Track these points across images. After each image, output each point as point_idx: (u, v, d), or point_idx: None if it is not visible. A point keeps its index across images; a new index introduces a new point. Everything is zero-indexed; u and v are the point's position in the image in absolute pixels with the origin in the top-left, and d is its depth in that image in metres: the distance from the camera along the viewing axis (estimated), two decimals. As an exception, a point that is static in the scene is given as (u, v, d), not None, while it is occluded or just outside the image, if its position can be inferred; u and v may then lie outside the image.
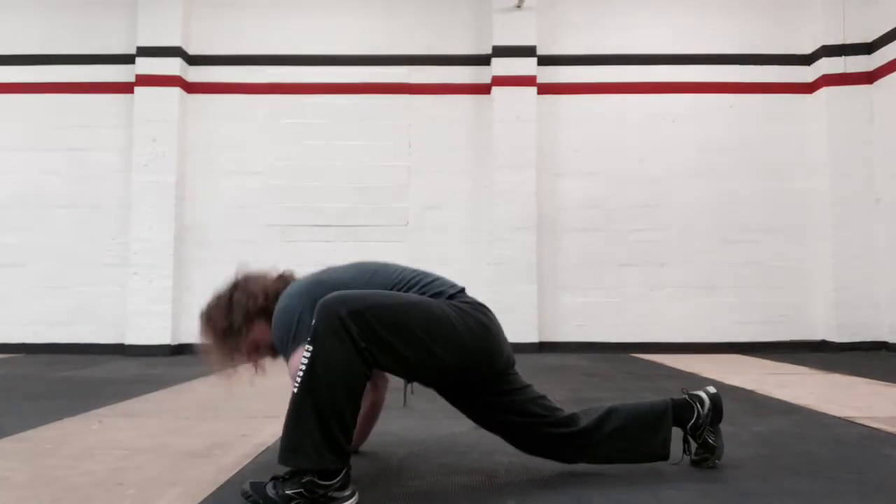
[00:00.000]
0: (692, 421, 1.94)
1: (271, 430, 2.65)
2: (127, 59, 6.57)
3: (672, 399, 1.98)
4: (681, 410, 1.95)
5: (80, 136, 6.59)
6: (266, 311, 1.89)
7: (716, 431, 1.99)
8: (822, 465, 2.06)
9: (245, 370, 2.02)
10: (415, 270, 1.91)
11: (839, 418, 2.86)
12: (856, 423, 2.74)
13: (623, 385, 4.04)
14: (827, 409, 3.09)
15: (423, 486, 1.85)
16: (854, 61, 6.44)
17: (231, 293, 1.95)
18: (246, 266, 2.03)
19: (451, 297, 1.82)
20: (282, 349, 1.80)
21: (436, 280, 1.88)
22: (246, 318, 1.90)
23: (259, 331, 1.92)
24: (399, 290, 1.80)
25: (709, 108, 6.65)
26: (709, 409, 1.97)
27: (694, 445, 2.00)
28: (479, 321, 1.78)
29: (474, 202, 6.57)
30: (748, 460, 2.13)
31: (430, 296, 1.79)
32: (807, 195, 6.55)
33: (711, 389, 2.02)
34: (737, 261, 6.52)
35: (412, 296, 1.75)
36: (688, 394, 2.00)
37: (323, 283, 1.81)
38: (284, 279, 1.99)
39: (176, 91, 6.46)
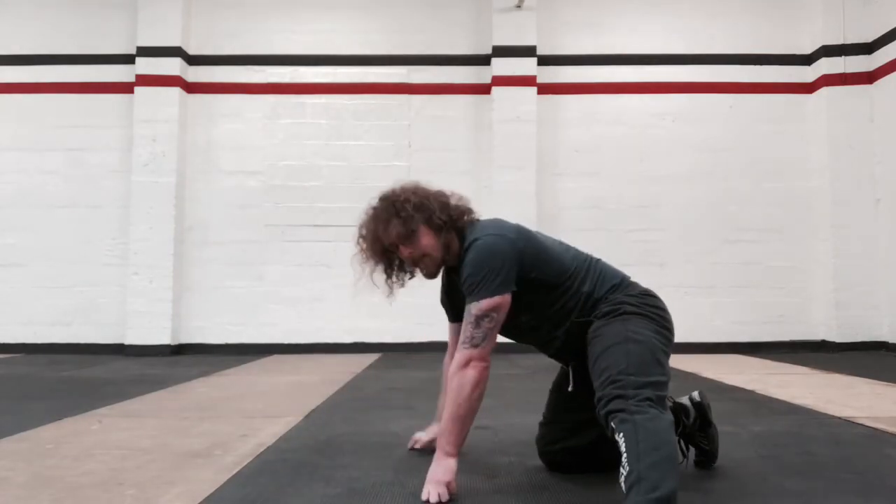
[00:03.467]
0: (679, 430, 1.96)
1: (271, 430, 2.65)
2: (127, 59, 6.57)
3: None
4: None
5: (80, 136, 6.58)
6: (444, 226, 1.86)
7: (708, 436, 2.01)
8: (822, 465, 2.06)
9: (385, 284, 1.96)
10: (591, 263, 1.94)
11: (839, 418, 2.86)
12: (856, 423, 2.74)
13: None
14: (827, 409, 3.09)
15: (423, 485, 1.84)
16: (854, 61, 6.43)
17: (405, 197, 1.89)
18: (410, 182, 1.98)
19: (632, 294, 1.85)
20: (476, 286, 1.75)
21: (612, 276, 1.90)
22: (426, 222, 1.85)
23: (429, 240, 1.86)
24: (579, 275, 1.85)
25: (709, 108, 6.64)
26: (694, 418, 1.99)
27: (692, 449, 2.01)
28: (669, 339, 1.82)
29: (474, 202, 6.48)
30: (748, 460, 2.13)
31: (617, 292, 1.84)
32: (807, 195, 6.55)
33: (696, 397, 2.03)
34: (737, 261, 6.51)
35: (654, 343, 1.72)
36: (672, 402, 2.01)
37: (531, 240, 1.84)
38: (464, 204, 1.95)
39: (176, 91, 6.46)
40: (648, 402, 1.54)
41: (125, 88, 6.56)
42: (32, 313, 6.43)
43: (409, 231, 1.84)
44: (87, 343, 6.38)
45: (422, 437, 2.28)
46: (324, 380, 4.29)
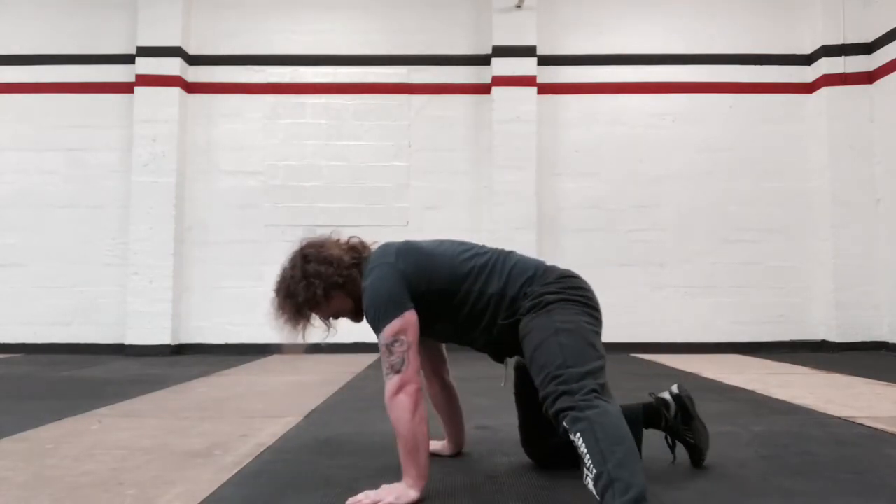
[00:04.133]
0: (663, 425, 1.98)
1: (271, 430, 2.65)
2: (127, 59, 6.57)
3: (643, 405, 2.01)
4: (650, 415, 1.98)
5: (80, 136, 6.59)
6: (344, 284, 1.90)
7: (692, 429, 2.00)
8: (822, 465, 2.06)
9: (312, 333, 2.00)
10: (495, 254, 1.94)
11: (839, 418, 2.86)
12: (856, 423, 2.74)
13: (622, 385, 4.04)
14: (827, 409, 3.09)
15: (424, 485, 1.84)
16: (854, 61, 6.43)
17: (304, 265, 1.93)
18: (308, 235, 2.06)
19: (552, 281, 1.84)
20: (375, 321, 1.78)
21: (524, 266, 1.90)
22: (326, 289, 1.88)
23: (339, 300, 1.92)
24: (479, 274, 1.86)
25: (709, 108, 6.65)
26: (675, 411, 1.99)
27: (678, 445, 2.03)
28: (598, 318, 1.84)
29: (474, 202, 6.57)
30: (748, 460, 2.13)
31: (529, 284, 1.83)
32: (807, 195, 6.55)
33: (675, 389, 2.03)
34: (737, 261, 6.52)
35: (582, 327, 1.73)
36: (654, 398, 2.02)
37: (413, 256, 1.86)
38: (354, 248, 1.98)
39: (176, 91, 6.46)
40: (594, 394, 1.55)
41: (125, 88, 6.56)
42: (32, 313, 6.43)
43: (322, 297, 1.89)
44: (87, 343, 6.38)
45: (432, 446, 2.26)
46: (324, 380, 4.29)
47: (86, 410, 3.09)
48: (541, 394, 1.63)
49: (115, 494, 1.78)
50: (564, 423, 1.53)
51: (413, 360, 1.74)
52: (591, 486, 1.43)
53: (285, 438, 2.50)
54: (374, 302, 1.78)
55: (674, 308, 6.46)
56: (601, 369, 1.65)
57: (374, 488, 1.72)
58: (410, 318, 1.77)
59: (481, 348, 1.99)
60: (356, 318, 1.97)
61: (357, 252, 1.97)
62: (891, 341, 6.15)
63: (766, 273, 6.51)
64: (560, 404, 1.55)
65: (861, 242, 6.31)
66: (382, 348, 1.75)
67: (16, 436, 2.53)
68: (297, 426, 2.74)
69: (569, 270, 1.92)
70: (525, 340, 1.76)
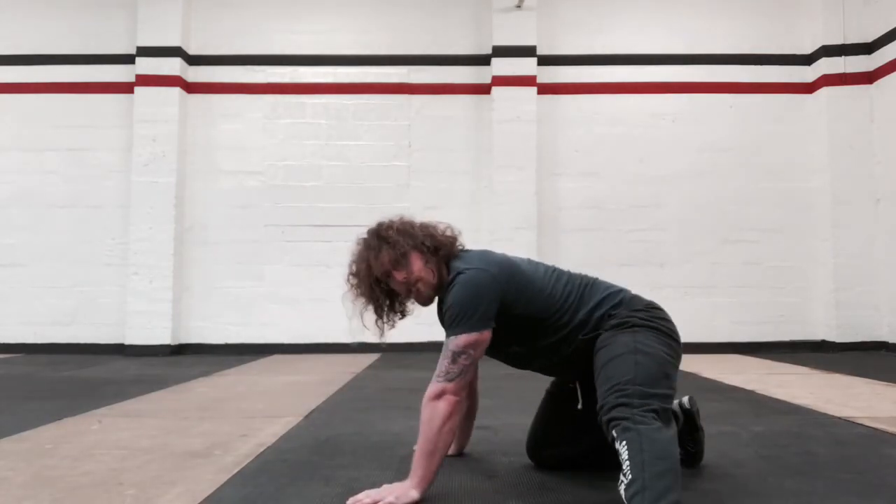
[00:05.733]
0: None
1: (271, 430, 2.65)
2: (127, 59, 6.57)
3: None
4: None
5: (80, 136, 6.59)
6: (432, 253, 1.85)
7: (694, 439, 2.03)
8: (822, 465, 2.06)
9: (387, 321, 1.94)
10: (586, 284, 1.92)
11: (839, 418, 2.86)
12: (856, 423, 2.74)
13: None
14: (827, 409, 3.09)
15: (426, 488, 1.84)
16: (854, 61, 6.43)
17: (380, 232, 1.88)
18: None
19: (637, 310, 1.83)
20: (455, 320, 1.73)
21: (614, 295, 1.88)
22: (408, 249, 1.83)
23: (420, 266, 1.84)
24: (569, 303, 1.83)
25: (709, 108, 6.65)
26: (682, 424, 2.00)
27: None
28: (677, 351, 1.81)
29: (474, 202, 6.57)
30: (748, 460, 2.13)
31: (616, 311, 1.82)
32: (807, 195, 6.55)
33: (686, 403, 2.04)
34: (737, 261, 6.52)
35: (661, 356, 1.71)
36: None
37: (515, 275, 1.83)
38: (450, 237, 1.92)
39: (176, 91, 6.46)
40: (653, 414, 1.52)
41: (125, 88, 6.56)
42: (32, 313, 6.43)
43: (400, 255, 1.83)
44: (87, 343, 6.38)
45: None
46: (324, 380, 4.30)
47: (86, 410, 3.09)
48: (600, 401, 1.61)
49: (115, 494, 1.78)
50: (614, 432, 1.51)
51: (468, 376, 1.74)
52: (622, 490, 1.42)
53: (285, 438, 2.50)
54: (464, 305, 1.73)
55: (674, 308, 6.36)
56: (668, 398, 1.63)
57: (374, 488, 1.72)
58: (486, 336, 1.75)
59: (555, 371, 1.97)
60: (429, 297, 1.90)
61: (453, 238, 1.92)
62: (891, 341, 6.15)
63: (766, 273, 6.51)
64: (615, 413, 1.54)
65: (861, 242, 6.31)
66: (448, 353, 1.72)
67: (16, 436, 2.53)
68: (297, 426, 2.74)
69: (654, 302, 1.91)
70: (600, 352, 1.73)
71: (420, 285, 1.86)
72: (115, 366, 5.25)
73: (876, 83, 6.38)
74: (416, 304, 1.96)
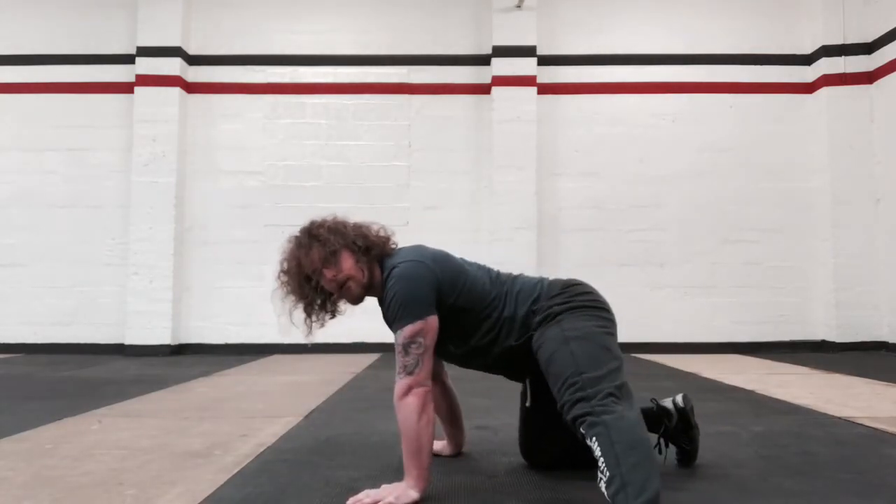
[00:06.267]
0: (661, 430, 1.98)
1: (271, 430, 2.65)
2: (127, 59, 6.57)
3: (643, 409, 2.00)
4: (649, 421, 1.97)
5: (80, 136, 6.59)
6: (364, 252, 1.86)
7: (689, 437, 2.03)
8: (822, 465, 2.06)
9: (315, 321, 1.93)
10: (511, 280, 1.94)
11: (839, 418, 2.86)
12: (856, 423, 2.74)
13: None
14: (827, 409, 3.09)
15: (424, 486, 1.84)
16: (854, 61, 6.43)
17: (311, 230, 1.89)
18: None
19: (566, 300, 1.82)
20: (398, 313, 1.74)
21: (532, 288, 1.88)
22: (337, 247, 1.84)
23: (350, 263, 1.85)
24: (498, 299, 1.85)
25: (709, 108, 6.65)
26: (676, 421, 2.01)
27: (673, 448, 2.04)
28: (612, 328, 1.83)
29: (474, 202, 6.57)
30: (748, 460, 2.13)
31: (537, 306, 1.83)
32: (807, 195, 6.55)
33: (679, 402, 2.04)
34: (737, 261, 6.52)
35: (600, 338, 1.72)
36: (656, 405, 2.02)
37: (449, 266, 1.84)
38: (383, 236, 1.93)
39: (176, 91, 6.46)
40: (612, 398, 1.54)
41: (125, 88, 6.56)
42: (32, 313, 6.43)
43: (329, 253, 1.83)
44: (87, 343, 6.38)
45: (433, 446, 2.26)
46: (324, 380, 4.30)
47: (86, 410, 3.09)
48: (558, 403, 1.62)
49: (115, 494, 1.78)
50: (581, 429, 1.52)
51: (427, 364, 1.74)
52: (603, 488, 1.43)
53: (285, 438, 2.50)
54: (403, 296, 1.75)
55: (674, 308, 6.46)
56: (617, 370, 1.64)
57: (374, 488, 1.72)
58: (432, 322, 1.76)
59: (495, 371, 1.99)
60: (360, 295, 1.90)
61: (386, 238, 1.93)
62: (891, 341, 6.15)
63: (766, 273, 6.51)
64: (576, 411, 1.55)
65: (861, 242, 6.31)
66: (398, 347, 1.73)
67: (16, 436, 2.53)
68: (297, 426, 2.74)
69: (572, 279, 1.92)
70: (538, 354, 1.75)
71: (350, 283, 1.87)
72: (115, 366, 5.25)
73: (876, 83, 6.38)
74: (347, 303, 1.96)
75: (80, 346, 6.37)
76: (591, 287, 1.90)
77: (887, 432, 2.55)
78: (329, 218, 1.94)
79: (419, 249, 1.88)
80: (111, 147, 6.57)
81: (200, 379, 4.38)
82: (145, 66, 6.47)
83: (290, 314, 1.90)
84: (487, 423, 2.75)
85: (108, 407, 3.22)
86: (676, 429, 2.00)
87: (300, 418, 2.91)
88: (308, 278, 1.87)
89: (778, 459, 2.14)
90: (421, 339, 1.73)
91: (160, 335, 6.22)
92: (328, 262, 1.84)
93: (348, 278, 1.86)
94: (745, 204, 6.55)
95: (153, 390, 3.81)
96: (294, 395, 3.65)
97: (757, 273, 6.50)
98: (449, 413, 2.20)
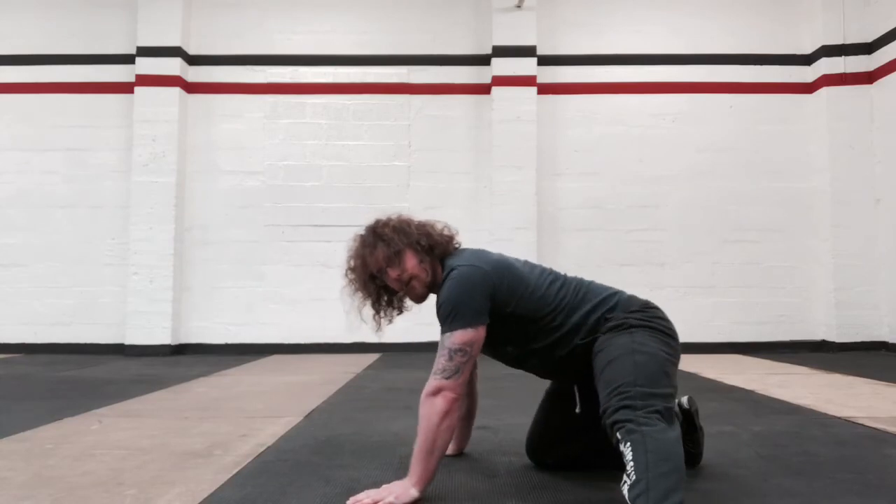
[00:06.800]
0: None
1: (271, 430, 2.65)
2: (127, 59, 6.57)
3: None
4: None
5: (80, 136, 6.59)
6: (427, 251, 1.87)
7: (693, 439, 2.03)
8: (822, 465, 2.06)
9: (383, 316, 1.96)
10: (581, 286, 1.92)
11: (839, 418, 2.86)
12: (856, 423, 2.74)
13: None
14: (827, 409, 3.09)
15: (425, 487, 1.84)
16: (854, 61, 6.43)
17: (376, 229, 1.91)
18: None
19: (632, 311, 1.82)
20: (450, 316, 1.74)
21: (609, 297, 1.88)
22: (402, 246, 1.85)
23: (414, 263, 1.86)
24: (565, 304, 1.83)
25: (709, 108, 6.64)
26: (681, 423, 1.99)
27: None
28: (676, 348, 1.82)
29: (474, 202, 6.57)
30: (748, 460, 2.13)
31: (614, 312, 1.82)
32: (807, 195, 6.55)
33: (685, 403, 2.04)
34: (737, 261, 6.52)
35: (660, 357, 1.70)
36: None
37: (508, 274, 1.82)
38: (446, 236, 1.94)
39: (176, 91, 6.46)
40: (657, 415, 1.52)
41: (125, 88, 6.56)
42: (32, 313, 6.43)
43: (394, 253, 1.85)
44: (87, 343, 6.38)
45: None
46: (324, 380, 4.30)
47: (86, 410, 3.09)
48: (603, 405, 1.61)
49: (115, 494, 1.78)
50: (618, 434, 1.51)
51: (466, 374, 1.73)
52: (625, 491, 1.41)
53: (285, 438, 2.50)
54: (457, 301, 1.74)
55: (674, 308, 6.37)
56: (670, 397, 1.63)
57: (374, 488, 1.72)
58: (482, 332, 1.75)
59: (549, 373, 1.97)
60: (423, 294, 1.92)
61: (450, 237, 1.94)
62: (891, 341, 6.15)
63: (766, 273, 6.51)
64: (619, 416, 1.53)
65: (861, 242, 6.31)
66: (445, 350, 1.72)
67: (16, 436, 2.53)
68: (297, 426, 2.74)
69: (651, 301, 1.91)
70: (599, 355, 1.73)
71: (414, 283, 1.88)
72: (115, 366, 5.25)
73: (876, 83, 6.37)
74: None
75: (80, 346, 6.37)
76: (666, 315, 1.88)
77: (887, 432, 2.55)
78: (394, 216, 1.96)
79: (481, 254, 1.88)
80: (111, 147, 6.57)
81: (200, 379, 4.38)
82: (145, 66, 6.47)
83: (359, 310, 1.94)
84: (487, 423, 2.75)
85: (108, 407, 3.22)
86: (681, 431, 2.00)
87: (300, 418, 2.91)
88: (373, 277, 1.90)
89: (778, 459, 2.14)
90: (468, 349, 1.72)
91: (160, 335, 6.22)
92: (392, 262, 1.86)
93: (412, 277, 1.87)
94: (745, 204, 6.55)
95: (153, 390, 3.81)
96: (294, 395, 3.65)
97: (757, 273, 6.50)
98: (466, 415, 2.19)
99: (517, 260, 1.96)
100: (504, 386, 3.84)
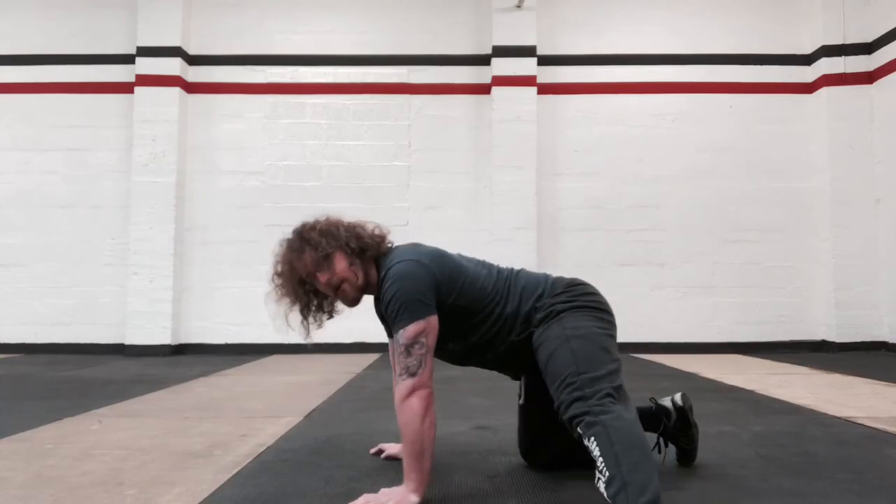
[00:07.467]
0: (660, 430, 1.98)
1: (271, 430, 2.65)
2: (127, 59, 6.57)
3: (638, 408, 2.00)
4: (648, 419, 1.97)
5: (80, 136, 6.59)
6: (358, 254, 1.84)
7: (688, 436, 2.03)
8: (822, 465, 2.06)
9: (312, 323, 1.93)
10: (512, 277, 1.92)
11: (839, 418, 2.86)
12: (856, 423, 2.74)
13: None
14: (827, 409, 3.09)
15: (424, 491, 1.84)
16: (854, 61, 6.43)
17: (303, 233, 1.88)
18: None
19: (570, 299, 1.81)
20: (398, 312, 1.71)
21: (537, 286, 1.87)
22: (331, 249, 1.82)
23: (344, 265, 1.83)
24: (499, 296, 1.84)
25: (709, 108, 6.65)
26: (675, 420, 2.01)
27: (672, 448, 2.04)
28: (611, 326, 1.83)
29: (474, 202, 6.57)
30: (748, 460, 2.13)
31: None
32: (807, 195, 6.55)
33: (678, 400, 2.04)
34: (737, 261, 6.52)
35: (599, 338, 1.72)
36: (655, 404, 2.02)
37: (447, 265, 1.81)
38: (378, 236, 1.90)
39: (176, 91, 6.46)
40: (609, 399, 1.53)
41: (125, 88, 6.56)
42: (32, 313, 6.43)
43: (322, 256, 1.82)
44: (87, 343, 6.38)
45: (390, 448, 2.21)
46: (324, 380, 4.30)
47: (86, 410, 3.09)
48: (555, 402, 1.62)
49: (115, 494, 1.78)
50: (579, 429, 1.52)
51: (429, 364, 1.71)
52: (602, 489, 1.42)
53: (285, 438, 2.50)
54: (402, 296, 1.71)
55: (674, 308, 6.46)
56: (616, 372, 1.63)
57: (373, 489, 1.72)
58: (434, 322, 1.74)
59: (492, 367, 1.97)
60: (356, 297, 1.89)
61: (381, 237, 1.91)
62: (891, 341, 6.15)
63: (766, 273, 6.51)
64: (573, 410, 1.54)
65: (861, 242, 6.31)
66: (400, 348, 1.71)
67: (16, 436, 2.53)
68: (297, 426, 2.74)
69: (576, 279, 1.91)
70: (538, 351, 1.74)
71: (345, 286, 1.85)
72: (115, 366, 5.25)
73: (876, 83, 6.37)
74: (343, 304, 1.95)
75: (80, 346, 6.37)
76: (593, 288, 1.89)
77: (887, 432, 2.55)
78: (322, 219, 1.92)
79: (415, 248, 1.86)
80: (111, 147, 6.57)
81: (200, 379, 4.38)
82: (145, 66, 6.47)
83: (286, 316, 1.89)
84: (487, 423, 2.75)
85: (108, 407, 3.22)
86: (675, 428, 2.00)
87: (300, 418, 2.91)
88: (302, 282, 1.86)
89: (778, 459, 2.14)
90: (423, 340, 1.71)
91: (160, 335, 6.22)
92: (321, 266, 1.83)
93: (342, 281, 1.84)
94: (745, 204, 6.55)
95: (153, 390, 3.81)
96: (294, 395, 3.65)
97: (757, 273, 6.50)
98: None
99: (452, 252, 1.95)
100: (503, 386, 3.83)
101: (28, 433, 2.58)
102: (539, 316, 1.79)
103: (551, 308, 1.78)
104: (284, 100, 6.66)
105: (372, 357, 5.83)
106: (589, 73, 6.69)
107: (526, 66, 6.50)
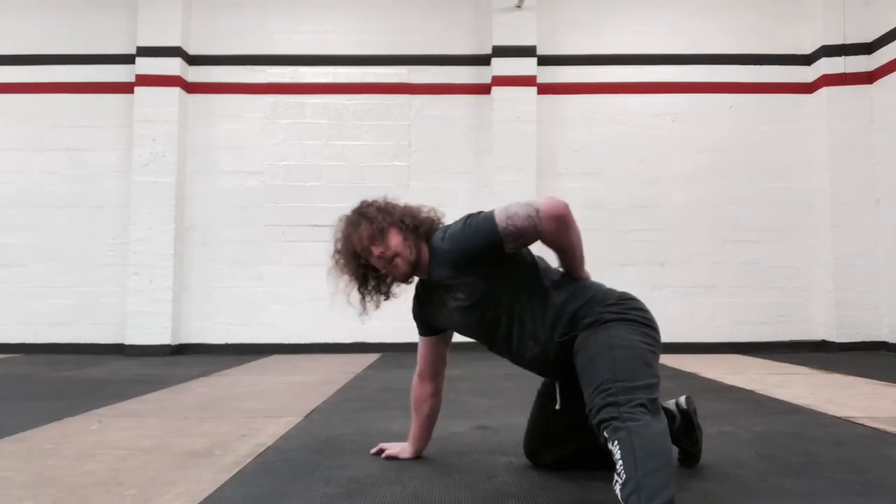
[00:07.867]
0: None
1: (271, 430, 2.65)
2: (127, 59, 6.57)
3: None
4: None
5: (80, 136, 6.59)
6: (411, 230, 1.90)
7: (692, 439, 2.03)
8: (822, 465, 2.06)
9: (371, 300, 1.99)
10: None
11: (839, 418, 2.86)
12: (856, 423, 2.74)
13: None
14: (827, 409, 3.09)
15: (424, 485, 1.85)
16: (854, 61, 6.43)
17: (360, 209, 1.95)
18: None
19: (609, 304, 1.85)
20: (478, 220, 1.81)
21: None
22: (385, 223, 1.88)
23: (398, 240, 1.88)
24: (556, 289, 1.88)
25: (709, 108, 6.64)
26: (679, 423, 2.01)
27: (676, 449, 2.03)
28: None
29: (474, 202, 6.55)
30: (748, 460, 2.13)
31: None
32: (807, 195, 6.55)
33: (682, 403, 2.04)
34: (737, 261, 6.51)
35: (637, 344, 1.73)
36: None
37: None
38: (433, 218, 1.98)
39: (176, 91, 6.46)
40: (641, 409, 1.52)
41: (125, 88, 6.56)
42: (32, 313, 6.43)
43: (377, 230, 1.88)
44: (87, 343, 6.38)
45: (391, 448, 2.23)
46: (324, 380, 4.30)
47: (86, 410, 3.09)
48: (588, 405, 1.61)
49: (115, 494, 1.78)
50: (605, 433, 1.51)
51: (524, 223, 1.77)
52: (618, 490, 1.42)
53: (285, 438, 2.50)
54: (472, 219, 1.83)
55: (674, 308, 6.46)
56: (653, 387, 1.62)
57: (373, 489, 1.72)
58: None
59: (531, 367, 1.96)
60: (407, 273, 1.92)
61: (437, 219, 1.97)
62: (891, 341, 6.15)
63: (766, 273, 6.51)
64: (603, 415, 1.53)
65: (861, 242, 6.31)
66: (505, 219, 1.76)
67: (16, 436, 2.53)
68: (298, 426, 2.74)
69: (627, 293, 1.91)
70: (579, 355, 1.73)
71: (398, 260, 1.89)
72: (115, 366, 5.25)
73: (876, 83, 6.37)
74: (398, 285, 2.00)
75: (80, 346, 6.37)
76: (644, 304, 1.89)
77: (887, 432, 2.55)
78: (380, 198, 2.00)
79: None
80: (111, 147, 6.57)
81: (200, 379, 4.38)
82: (145, 66, 6.47)
83: (347, 293, 1.96)
84: (487, 423, 2.75)
85: (108, 407, 3.22)
86: (679, 430, 2.00)
87: (300, 418, 2.91)
88: (356, 255, 1.92)
89: (778, 459, 2.14)
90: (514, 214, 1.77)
91: (160, 335, 6.22)
92: (375, 239, 1.88)
93: (396, 255, 1.88)
94: (745, 204, 6.55)
95: (153, 390, 3.81)
96: (294, 395, 3.65)
97: (757, 273, 6.50)
98: (428, 417, 2.18)
99: None
100: (503, 386, 3.84)
101: (28, 433, 2.58)
102: (587, 321, 1.79)
103: (600, 316, 1.78)
104: (284, 100, 6.66)
105: (372, 357, 5.83)
106: (589, 73, 6.69)
107: (526, 66, 6.50)
